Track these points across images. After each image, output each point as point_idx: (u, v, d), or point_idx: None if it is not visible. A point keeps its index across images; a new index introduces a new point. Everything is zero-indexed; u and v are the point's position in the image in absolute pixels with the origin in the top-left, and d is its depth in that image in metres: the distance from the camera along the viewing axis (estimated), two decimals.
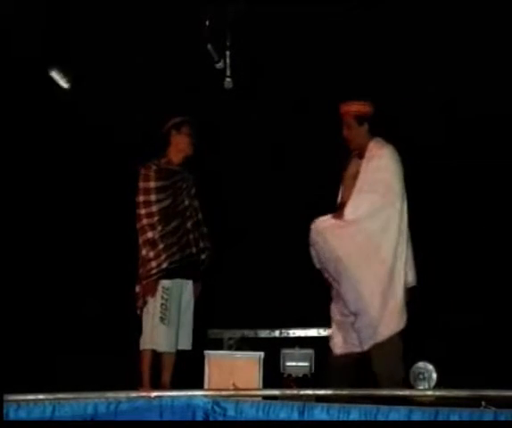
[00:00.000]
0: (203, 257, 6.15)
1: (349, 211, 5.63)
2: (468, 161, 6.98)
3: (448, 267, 6.88)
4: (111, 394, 4.02)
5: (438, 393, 4.57)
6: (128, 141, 7.12)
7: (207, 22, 5.50)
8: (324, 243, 5.64)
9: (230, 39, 5.51)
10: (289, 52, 6.81)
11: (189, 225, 6.11)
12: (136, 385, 5.74)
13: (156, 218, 5.97)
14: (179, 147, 6.12)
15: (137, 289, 6.02)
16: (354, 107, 5.84)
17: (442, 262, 6.89)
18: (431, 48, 6.69)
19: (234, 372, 4.62)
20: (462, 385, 4.07)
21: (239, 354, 4.92)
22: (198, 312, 6.16)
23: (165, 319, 5.90)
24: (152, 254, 5.96)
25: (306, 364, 4.88)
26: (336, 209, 5.76)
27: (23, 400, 3.93)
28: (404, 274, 5.55)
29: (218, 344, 6.32)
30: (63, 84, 5.43)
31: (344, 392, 4.33)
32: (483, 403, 3.72)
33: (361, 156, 5.86)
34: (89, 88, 6.86)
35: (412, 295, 5.59)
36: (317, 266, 5.69)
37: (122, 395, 4.02)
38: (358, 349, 5.43)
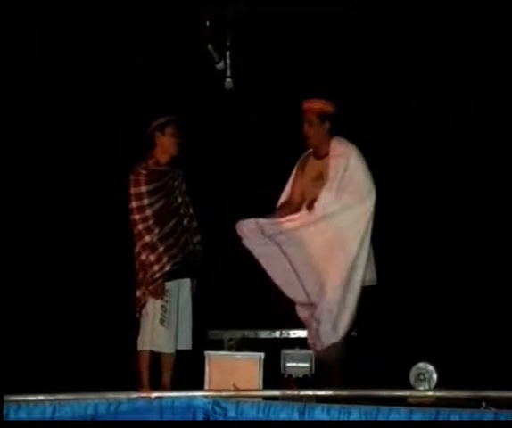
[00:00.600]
0: (198, 252, 6.16)
1: (320, 209, 5.73)
2: (453, 163, 6.98)
3: (447, 267, 6.87)
4: (111, 395, 4.01)
5: (438, 394, 4.57)
6: (128, 142, 7.10)
7: (207, 23, 5.50)
8: (290, 240, 5.69)
9: (230, 40, 5.51)
10: (289, 52, 6.80)
11: (185, 222, 6.12)
12: (136, 385, 5.76)
13: (152, 222, 5.96)
14: (164, 148, 6.08)
15: (138, 293, 6.00)
16: (317, 104, 5.91)
17: (442, 263, 6.88)
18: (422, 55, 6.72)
19: (234, 372, 4.62)
20: (463, 386, 4.07)
21: (239, 355, 4.91)
22: (198, 313, 6.16)
23: (165, 321, 5.90)
24: (152, 258, 5.94)
25: (306, 364, 4.88)
26: (277, 210, 5.93)
27: (23, 401, 3.93)
28: (364, 273, 5.72)
29: (218, 345, 6.31)
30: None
31: (344, 393, 4.33)
32: (484, 404, 3.72)
33: (318, 156, 5.91)
34: (88, 89, 6.84)
35: (373, 294, 5.79)
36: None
37: (123, 396, 4.02)
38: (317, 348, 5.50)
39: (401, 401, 4.20)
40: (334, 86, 6.75)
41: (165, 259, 5.93)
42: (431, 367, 5.60)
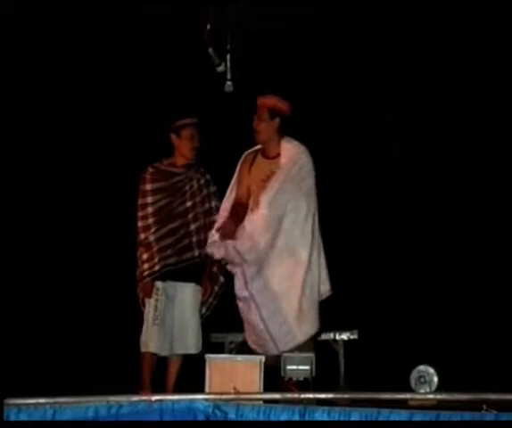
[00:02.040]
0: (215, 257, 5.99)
1: (269, 211, 5.65)
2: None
3: (447, 270, 6.87)
4: (112, 398, 4.01)
5: (439, 397, 4.56)
6: (129, 145, 7.12)
7: (208, 26, 5.50)
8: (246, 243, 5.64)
9: (231, 42, 5.51)
10: (290, 55, 6.80)
11: (193, 227, 6.06)
12: (137, 386, 5.76)
13: (151, 220, 5.97)
14: (180, 151, 6.10)
15: (137, 290, 6.03)
16: (270, 101, 5.89)
17: (442, 265, 6.88)
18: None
19: (234, 376, 4.61)
20: (463, 389, 4.07)
21: (240, 358, 4.90)
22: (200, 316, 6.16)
23: (156, 320, 5.87)
24: (145, 256, 5.94)
25: (307, 367, 4.85)
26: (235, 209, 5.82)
27: (24, 404, 3.93)
28: (319, 278, 5.68)
29: (219, 348, 6.31)
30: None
31: (346, 396, 4.33)
32: (485, 407, 3.72)
33: (267, 155, 5.89)
34: (89, 92, 6.84)
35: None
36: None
37: (123, 399, 4.02)
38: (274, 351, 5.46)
39: (402, 404, 4.19)
40: (335, 89, 6.78)
41: (156, 259, 5.91)
42: (431, 370, 5.59)
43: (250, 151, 6.02)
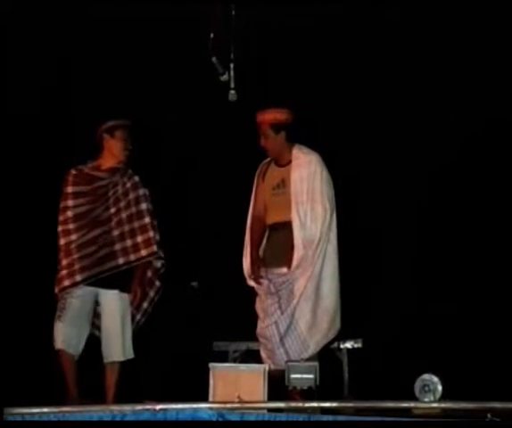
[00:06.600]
0: (157, 263, 5.91)
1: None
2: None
3: (452, 279, 6.85)
4: (115, 407, 4.02)
5: (444, 405, 4.55)
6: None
7: (211, 35, 5.51)
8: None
9: (234, 51, 5.52)
10: (294, 61, 6.81)
11: (116, 234, 5.82)
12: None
13: (71, 226, 5.76)
14: (112, 152, 5.91)
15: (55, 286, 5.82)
16: (270, 116, 5.86)
17: (446, 274, 6.87)
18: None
19: (239, 384, 4.60)
20: (468, 398, 4.06)
21: (244, 366, 4.89)
22: (203, 325, 6.15)
23: (62, 316, 5.68)
24: (64, 262, 5.75)
25: (311, 376, 4.84)
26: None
27: (28, 414, 3.93)
28: (334, 285, 5.77)
29: (223, 357, 6.30)
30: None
31: (350, 405, 4.32)
32: (489, 415, 3.72)
33: (279, 163, 5.90)
34: (90, 102, 6.84)
35: None
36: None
37: (127, 408, 4.03)
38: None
39: (406, 413, 4.18)
40: (341, 96, 6.78)
41: (76, 267, 5.69)
42: (436, 379, 5.57)
43: (265, 161, 6.05)
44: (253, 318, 6.08)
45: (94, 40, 6.79)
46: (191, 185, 7.20)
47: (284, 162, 5.93)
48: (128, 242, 5.81)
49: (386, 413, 4.21)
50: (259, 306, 5.94)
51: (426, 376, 5.50)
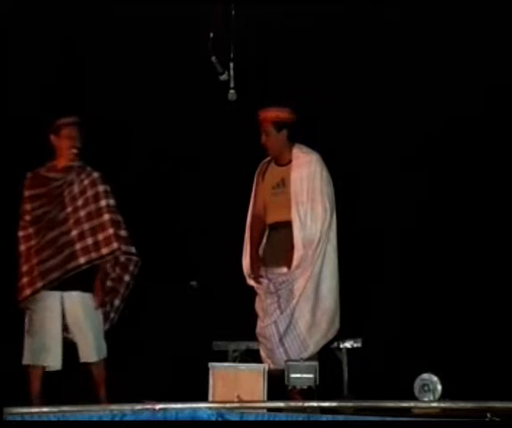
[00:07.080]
0: (122, 258, 5.77)
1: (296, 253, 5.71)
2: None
3: (452, 279, 6.86)
4: (115, 407, 4.02)
5: (443, 405, 4.56)
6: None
7: (211, 34, 5.51)
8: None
9: (234, 51, 5.52)
10: (293, 61, 6.81)
11: (75, 233, 5.66)
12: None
13: (31, 230, 5.64)
14: (60, 152, 5.77)
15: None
16: (272, 113, 5.86)
17: (446, 274, 6.87)
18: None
19: (238, 384, 4.61)
20: (467, 397, 4.06)
21: (243, 366, 4.90)
22: (203, 324, 6.14)
23: (30, 330, 5.58)
24: (24, 269, 5.60)
25: (310, 376, 4.85)
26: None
27: (27, 413, 3.94)
28: (334, 285, 5.77)
29: (222, 356, 6.30)
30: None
31: (349, 404, 4.32)
32: (489, 415, 3.72)
33: (279, 163, 5.90)
34: (90, 102, 6.84)
35: None
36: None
37: (127, 407, 4.03)
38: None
39: (406, 412, 4.19)
40: (341, 96, 6.78)
41: (36, 273, 5.55)
42: (435, 378, 5.58)
43: (265, 160, 6.05)
44: (253, 318, 6.08)
45: (94, 40, 6.79)
46: (190, 185, 7.19)
47: (284, 162, 5.94)
48: (89, 241, 5.65)
49: (386, 412, 4.21)
50: (258, 305, 5.94)
51: (426, 376, 5.51)
